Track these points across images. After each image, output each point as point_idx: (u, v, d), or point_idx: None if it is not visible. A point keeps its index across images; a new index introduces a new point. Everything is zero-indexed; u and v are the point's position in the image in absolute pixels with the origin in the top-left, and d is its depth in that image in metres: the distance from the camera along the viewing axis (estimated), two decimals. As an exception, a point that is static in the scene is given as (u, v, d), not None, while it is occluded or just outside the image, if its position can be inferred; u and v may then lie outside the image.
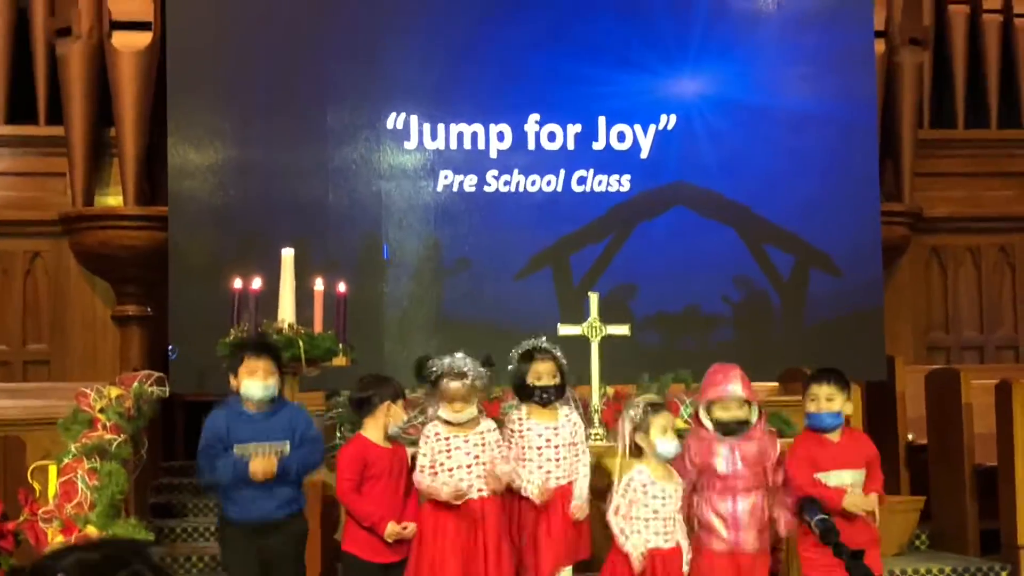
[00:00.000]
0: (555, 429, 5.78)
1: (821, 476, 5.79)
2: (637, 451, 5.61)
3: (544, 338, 5.99)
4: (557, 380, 5.81)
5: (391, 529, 5.52)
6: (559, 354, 5.88)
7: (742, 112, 9.08)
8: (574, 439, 5.82)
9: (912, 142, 9.70)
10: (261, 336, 5.81)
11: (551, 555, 5.66)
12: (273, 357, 5.58)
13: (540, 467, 5.72)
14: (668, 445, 5.54)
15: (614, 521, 5.51)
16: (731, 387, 5.71)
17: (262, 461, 5.38)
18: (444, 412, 5.65)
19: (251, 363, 5.48)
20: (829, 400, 5.84)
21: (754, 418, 5.74)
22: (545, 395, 5.79)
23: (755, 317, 9.00)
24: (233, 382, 5.55)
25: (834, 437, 5.85)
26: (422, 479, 5.60)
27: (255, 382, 5.48)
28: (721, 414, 5.70)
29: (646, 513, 5.50)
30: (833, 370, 6.03)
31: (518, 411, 5.87)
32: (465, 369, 5.66)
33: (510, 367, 5.98)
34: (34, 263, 9.22)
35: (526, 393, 5.85)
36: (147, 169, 8.97)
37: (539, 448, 5.74)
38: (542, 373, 5.80)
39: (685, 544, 5.56)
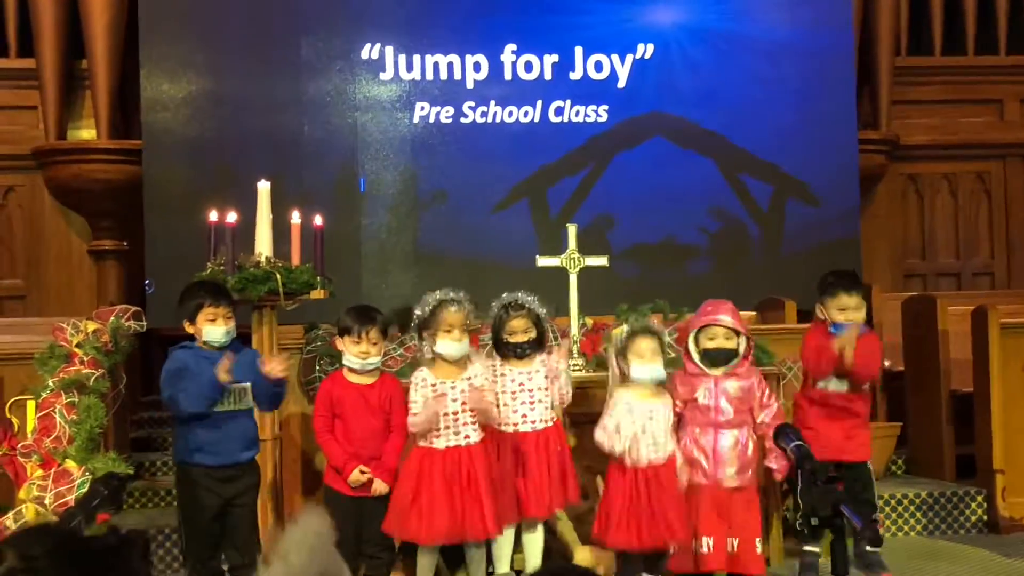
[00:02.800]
0: (529, 374, 5.79)
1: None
2: (625, 377, 5.68)
3: (519, 293, 5.95)
4: (532, 335, 5.82)
5: (354, 476, 5.58)
6: (535, 307, 5.86)
7: (719, 41, 9.04)
8: (546, 383, 5.83)
9: (889, 69, 9.67)
10: (214, 283, 5.78)
11: (532, 501, 5.70)
12: (229, 301, 5.63)
13: (515, 411, 5.76)
14: (643, 369, 5.58)
15: (599, 436, 5.59)
16: (720, 316, 5.74)
17: (223, 361, 5.40)
18: (444, 344, 5.65)
19: (210, 311, 5.53)
20: (858, 310, 5.90)
21: (742, 350, 5.77)
22: (519, 350, 5.80)
23: (732, 247, 9.02)
24: (190, 328, 5.58)
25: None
26: (412, 420, 5.63)
27: (216, 328, 5.55)
28: (708, 344, 5.74)
29: (634, 430, 5.56)
30: (857, 277, 6.07)
31: (494, 358, 5.88)
32: (458, 297, 5.69)
33: (490, 313, 5.97)
34: (8, 197, 9.15)
35: (501, 346, 5.87)
36: (120, 102, 8.87)
37: (513, 393, 5.77)
38: (516, 329, 5.81)
39: (679, 455, 5.62)
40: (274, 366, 5.52)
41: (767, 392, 5.80)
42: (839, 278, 6.04)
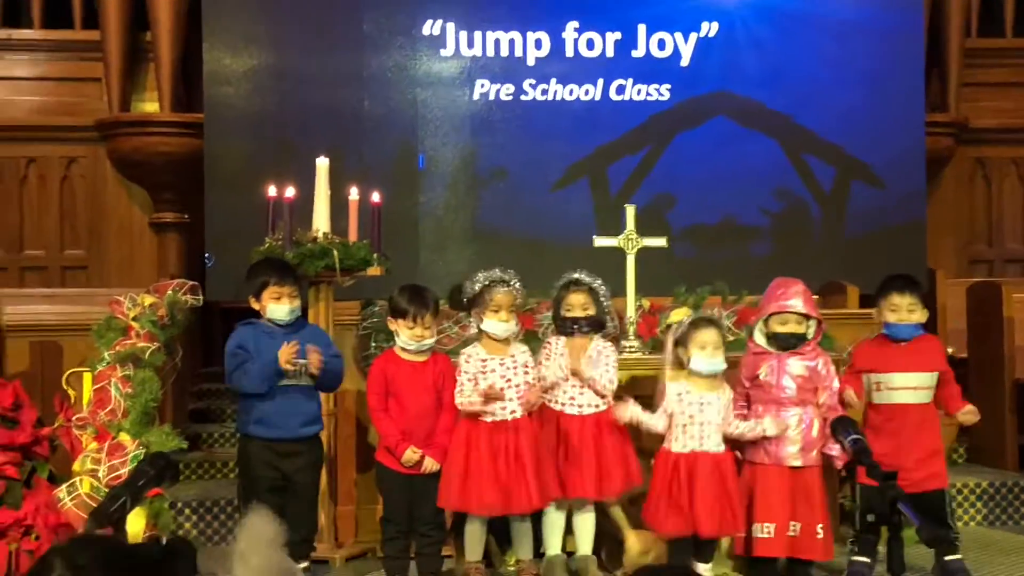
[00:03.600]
0: (587, 358, 5.76)
1: (881, 377, 5.78)
2: (680, 364, 5.65)
3: (582, 271, 5.92)
4: (590, 312, 5.79)
5: (407, 455, 5.60)
6: (597, 285, 5.84)
7: (785, 19, 8.90)
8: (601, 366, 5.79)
9: (959, 51, 9.50)
10: (280, 261, 5.81)
11: (572, 483, 5.69)
12: (295, 280, 5.67)
13: (564, 391, 5.74)
14: (703, 362, 5.54)
15: (646, 417, 5.61)
16: (791, 301, 5.69)
17: (286, 348, 5.44)
18: (491, 323, 5.67)
19: (275, 289, 5.57)
20: (911, 311, 5.82)
21: (811, 334, 5.72)
22: (575, 326, 5.77)
23: (794, 229, 8.90)
24: (255, 304, 5.63)
25: (903, 344, 5.82)
26: (460, 399, 5.62)
27: (281, 306, 5.62)
28: (779, 328, 5.69)
29: (683, 419, 5.58)
30: (911, 278, 5.99)
31: (556, 338, 5.88)
32: (508, 278, 5.68)
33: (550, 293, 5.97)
34: (70, 169, 9.22)
35: (560, 322, 5.87)
36: (183, 75, 8.91)
37: (566, 377, 5.76)
38: (573, 305, 5.80)
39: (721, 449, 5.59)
40: (280, 353, 5.50)
41: (831, 374, 5.72)
42: (893, 277, 5.99)
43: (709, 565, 5.63)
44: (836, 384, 5.73)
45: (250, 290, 5.68)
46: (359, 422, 6.56)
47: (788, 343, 5.67)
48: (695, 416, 5.57)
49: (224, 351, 5.66)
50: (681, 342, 5.63)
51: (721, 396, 5.61)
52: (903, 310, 5.85)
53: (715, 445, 5.55)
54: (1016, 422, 7.68)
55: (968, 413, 5.95)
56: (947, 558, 5.82)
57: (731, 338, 6.56)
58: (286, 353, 5.47)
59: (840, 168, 8.93)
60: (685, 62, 8.82)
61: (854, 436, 4.91)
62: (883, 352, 5.90)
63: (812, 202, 8.93)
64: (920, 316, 5.87)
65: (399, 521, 5.68)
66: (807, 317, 5.70)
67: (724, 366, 5.63)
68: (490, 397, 5.59)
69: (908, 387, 5.84)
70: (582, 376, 5.73)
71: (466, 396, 5.63)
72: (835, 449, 5.64)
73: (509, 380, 5.67)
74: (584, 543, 5.79)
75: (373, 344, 6.69)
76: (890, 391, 5.85)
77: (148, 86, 9.05)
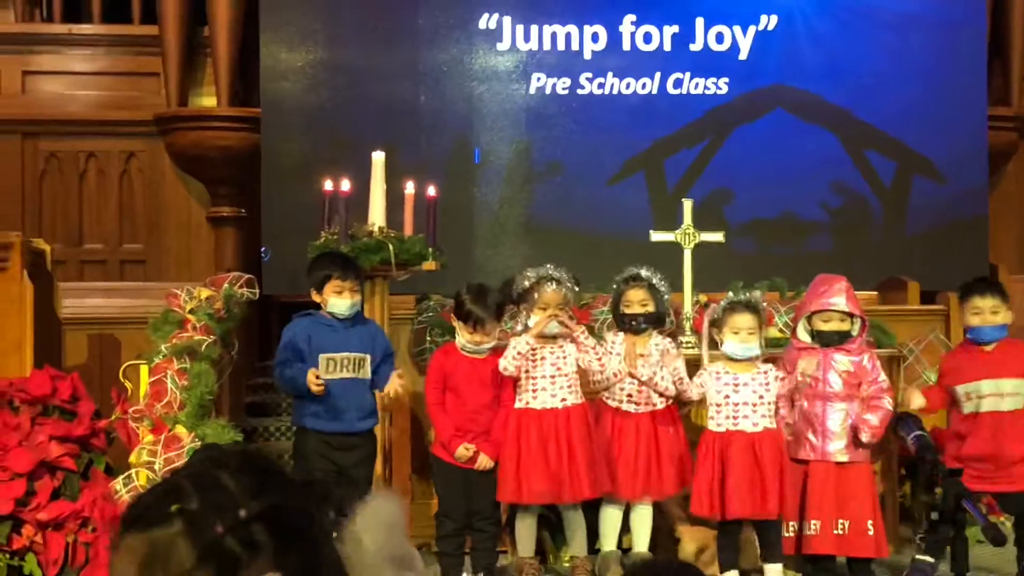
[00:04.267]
0: (642, 356, 5.73)
1: (969, 387, 5.68)
2: (715, 345, 5.65)
3: (642, 267, 5.89)
4: (649, 308, 5.76)
5: (460, 451, 5.59)
6: (656, 281, 5.81)
7: (845, 12, 8.79)
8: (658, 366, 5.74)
9: (1022, 43, 9.33)
10: (344, 255, 5.81)
11: (626, 483, 5.65)
12: (357, 275, 5.65)
13: (621, 388, 5.71)
14: (736, 346, 5.52)
15: (683, 386, 5.66)
16: (834, 299, 5.65)
17: (315, 373, 5.44)
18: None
19: (338, 283, 5.57)
20: (994, 313, 5.74)
21: (855, 331, 5.66)
22: (633, 322, 5.74)
23: (854, 224, 8.79)
24: (316, 297, 5.64)
25: (988, 347, 5.73)
26: (507, 364, 5.63)
27: (342, 300, 5.62)
28: (822, 326, 5.66)
29: (718, 399, 5.59)
30: (993, 280, 5.91)
31: (614, 334, 5.86)
32: (559, 276, 5.67)
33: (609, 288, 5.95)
34: (129, 163, 9.26)
35: (619, 318, 5.83)
36: (240, 69, 8.93)
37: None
38: (632, 300, 5.79)
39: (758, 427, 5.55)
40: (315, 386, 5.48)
41: (877, 368, 5.65)
42: (973, 281, 5.91)
43: (778, 567, 5.54)
44: (883, 378, 5.64)
45: (312, 283, 5.69)
46: (414, 416, 6.55)
47: (832, 340, 5.62)
48: (730, 396, 5.57)
49: (280, 342, 5.68)
50: (716, 324, 5.61)
51: (757, 376, 5.56)
52: (986, 312, 5.75)
53: (751, 425, 5.51)
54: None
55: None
56: None
57: (787, 334, 6.50)
58: (312, 379, 5.43)
59: (901, 163, 8.81)
60: (743, 55, 8.73)
61: (917, 432, 4.85)
62: (969, 360, 5.79)
63: (872, 197, 8.81)
64: (1004, 318, 5.77)
65: (455, 516, 5.67)
66: (850, 315, 5.65)
67: (758, 352, 5.59)
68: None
69: (997, 394, 5.71)
70: (639, 378, 5.69)
71: (508, 357, 5.62)
72: (862, 423, 5.56)
73: (560, 368, 5.65)
74: (640, 540, 5.76)
75: (428, 339, 6.69)
76: (979, 399, 5.72)
77: (206, 81, 9.07)
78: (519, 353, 5.58)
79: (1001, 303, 5.76)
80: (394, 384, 5.62)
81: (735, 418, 5.53)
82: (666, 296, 5.89)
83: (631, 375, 5.70)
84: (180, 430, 5.22)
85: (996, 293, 5.78)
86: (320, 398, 5.53)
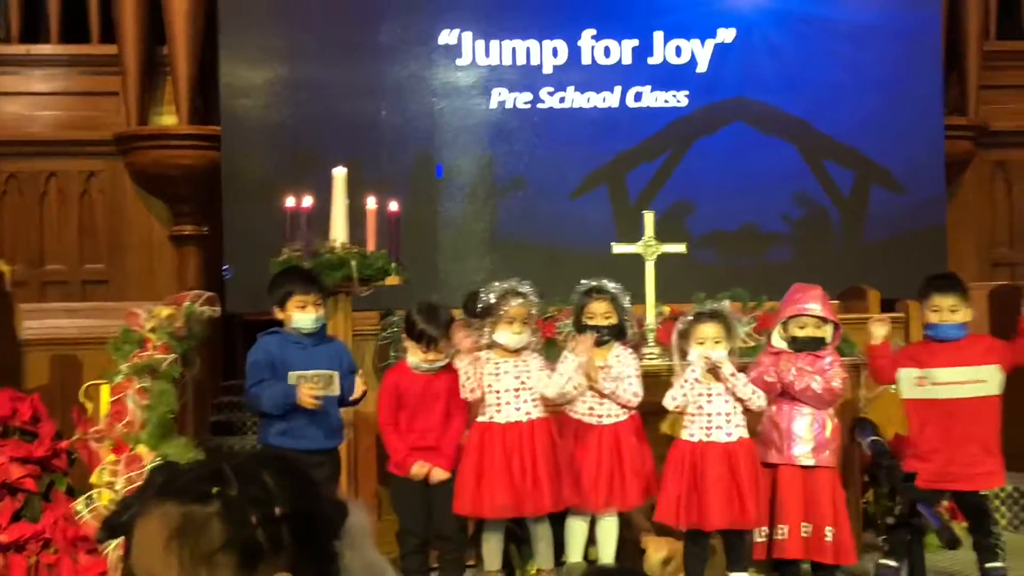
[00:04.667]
0: (603, 367, 5.75)
1: (927, 372, 5.76)
2: (684, 356, 5.66)
3: (605, 280, 5.92)
4: (612, 320, 5.78)
5: (415, 470, 5.60)
6: (618, 294, 5.83)
7: (802, 25, 8.87)
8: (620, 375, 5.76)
9: (977, 54, 9.44)
10: (305, 271, 5.81)
11: (591, 496, 5.67)
12: (319, 289, 5.64)
13: (583, 401, 5.73)
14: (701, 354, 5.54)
15: (667, 403, 5.61)
16: (810, 304, 5.69)
17: (310, 389, 5.41)
18: (503, 334, 5.66)
19: (300, 298, 5.55)
20: (953, 311, 5.77)
21: (829, 338, 5.71)
22: (597, 335, 5.75)
23: (814, 235, 8.86)
24: (279, 314, 5.62)
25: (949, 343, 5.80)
26: (464, 393, 5.65)
27: (306, 315, 5.59)
28: (797, 332, 5.69)
29: (692, 408, 5.58)
30: (952, 276, 5.94)
31: (570, 349, 5.86)
32: (524, 290, 5.68)
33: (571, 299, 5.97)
34: (90, 183, 9.23)
35: (581, 330, 5.84)
36: (201, 87, 8.92)
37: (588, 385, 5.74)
38: (595, 313, 5.79)
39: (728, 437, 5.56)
40: (304, 397, 5.45)
41: (835, 369, 5.68)
42: (933, 278, 5.95)
43: (745, 575, 5.58)
44: (837, 384, 5.67)
45: (274, 300, 5.67)
46: (378, 434, 6.53)
47: (806, 346, 5.66)
48: (703, 407, 5.57)
49: (244, 361, 5.66)
50: (684, 335, 5.64)
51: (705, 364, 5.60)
52: (944, 311, 5.79)
53: (724, 435, 5.53)
54: (1040, 426, 7.60)
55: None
56: (988, 565, 5.75)
57: (751, 344, 6.54)
58: (307, 394, 5.43)
59: (859, 173, 8.89)
60: (702, 68, 8.79)
61: (873, 438, 4.88)
62: (928, 350, 5.84)
63: (832, 207, 8.89)
64: (963, 316, 5.81)
65: (417, 533, 5.67)
66: (825, 321, 5.69)
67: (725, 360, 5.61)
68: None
69: (955, 381, 5.76)
70: (602, 391, 5.71)
71: (467, 388, 5.63)
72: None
73: (524, 382, 5.66)
74: (606, 552, 5.77)
75: (392, 354, 6.69)
76: (935, 386, 5.78)
77: (166, 99, 9.05)
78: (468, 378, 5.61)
79: (960, 301, 5.80)
80: (359, 385, 5.62)
81: (708, 428, 5.54)
82: (628, 308, 5.91)
83: (593, 389, 5.71)
84: (141, 449, 5.19)
85: (956, 291, 5.82)
86: (288, 415, 5.51)
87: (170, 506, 1.66)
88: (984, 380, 5.77)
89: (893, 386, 6.07)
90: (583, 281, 5.93)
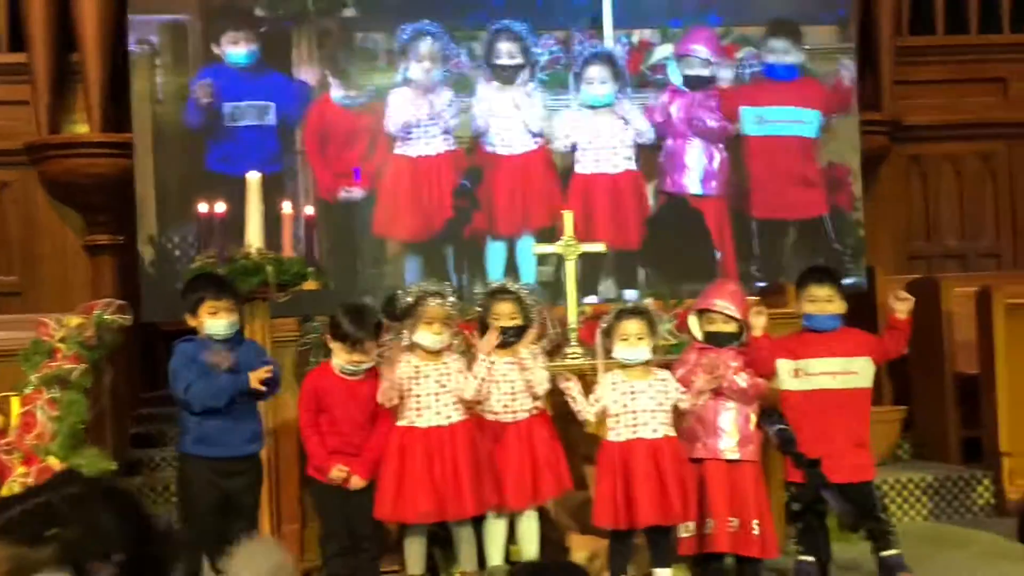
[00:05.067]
0: (512, 365, 5.74)
1: (801, 364, 5.76)
2: (608, 354, 5.68)
3: (508, 280, 5.98)
4: (517, 321, 5.77)
5: (334, 474, 5.56)
6: (524, 294, 5.83)
7: (719, 22, 8.87)
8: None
9: (890, 49, 9.53)
10: (216, 276, 5.74)
11: (511, 492, 5.65)
12: (232, 294, 5.57)
13: (497, 400, 5.71)
14: (625, 351, 5.55)
15: (580, 403, 5.60)
16: (717, 300, 5.73)
17: (221, 355, 5.38)
18: (423, 335, 5.64)
19: (212, 304, 5.48)
20: (829, 301, 5.83)
21: (744, 335, 5.74)
22: (503, 336, 5.73)
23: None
24: (192, 321, 5.55)
25: (823, 334, 5.83)
26: (381, 397, 5.58)
27: (219, 321, 5.52)
28: (707, 326, 5.74)
29: (616, 408, 5.58)
30: (829, 269, 6.02)
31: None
32: (442, 290, 5.66)
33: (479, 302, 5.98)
34: (2, 194, 9.07)
35: (486, 331, 5.81)
36: (113, 95, 8.77)
37: (497, 383, 5.72)
38: (501, 314, 5.78)
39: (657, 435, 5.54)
40: (216, 360, 5.45)
41: (747, 365, 5.70)
42: (810, 269, 6.05)
43: (668, 571, 5.58)
44: (759, 379, 5.70)
45: (186, 307, 5.60)
46: (300, 439, 6.46)
47: (717, 341, 5.71)
48: (628, 405, 5.57)
49: (166, 372, 5.58)
50: (607, 333, 5.64)
51: (654, 383, 5.59)
52: (822, 301, 5.86)
53: (651, 432, 5.53)
54: (959, 416, 7.72)
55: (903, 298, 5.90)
56: (884, 553, 5.82)
57: (673, 341, 6.56)
58: (258, 376, 5.40)
59: (777, 169, 8.91)
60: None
61: (779, 426, 4.92)
62: (802, 340, 5.90)
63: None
64: (838, 307, 5.88)
65: (338, 538, 5.61)
66: (734, 318, 5.73)
67: (648, 356, 5.62)
68: (392, 389, 5.56)
69: (828, 372, 5.82)
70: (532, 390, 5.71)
71: (386, 392, 5.58)
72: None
73: (444, 385, 5.63)
74: (529, 550, 5.75)
75: (312, 360, 6.61)
76: (809, 376, 5.82)
77: (78, 107, 8.89)
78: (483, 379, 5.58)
79: (836, 292, 5.88)
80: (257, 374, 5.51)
81: (634, 427, 5.54)
82: (534, 307, 5.92)
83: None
84: (52, 461, 5.10)
85: (832, 282, 5.90)
86: (207, 424, 5.43)
87: (3, 546, 1.57)
88: (855, 372, 5.84)
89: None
90: (488, 282, 5.96)
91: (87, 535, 1.57)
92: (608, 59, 7.78)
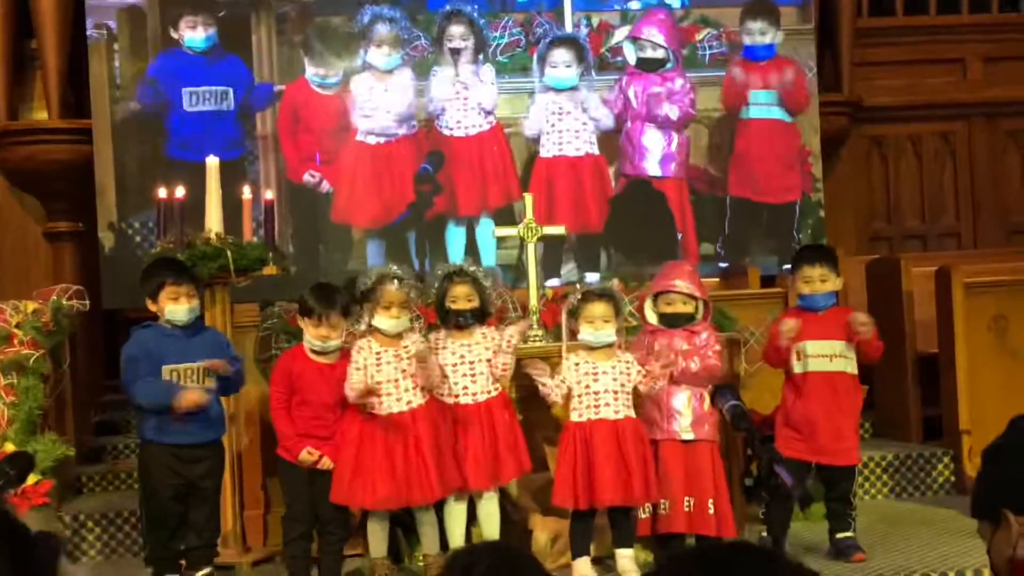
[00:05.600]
0: (469, 346, 5.74)
1: (799, 346, 5.83)
2: (574, 336, 5.68)
3: (468, 261, 5.98)
4: (474, 304, 5.77)
5: (303, 456, 5.54)
6: (480, 276, 5.83)
7: (679, 4, 8.89)
8: (487, 355, 5.75)
9: (850, 31, 9.54)
10: (176, 261, 5.72)
11: (473, 473, 5.66)
12: (192, 279, 5.55)
13: (456, 383, 5.70)
14: (590, 334, 5.56)
15: (542, 388, 5.61)
16: (676, 281, 5.73)
17: (195, 395, 5.33)
18: (381, 319, 5.63)
19: (172, 289, 5.46)
20: (823, 281, 5.88)
21: (700, 316, 5.76)
22: (460, 319, 5.74)
23: (696, 213, 8.89)
24: (152, 306, 5.53)
25: (819, 313, 5.87)
26: (348, 390, 5.56)
27: (179, 307, 5.50)
28: (665, 308, 5.75)
29: (579, 389, 5.60)
30: (822, 248, 6.06)
31: (437, 332, 5.85)
32: (400, 273, 5.65)
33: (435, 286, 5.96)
34: (-39, 182, 8.99)
35: (444, 314, 5.80)
36: (72, 81, 8.70)
37: (454, 365, 5.72)
38: (458, 296, 5.77)
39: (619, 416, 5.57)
40: (187, 401, 5.40)
41: (712, 346, 5.73)
42: (804, 249, 6.10)
43: (630, 552, 5.60)
44: (711, 356, 5.72)
45: (146, 292, 5.58)
46: (263, 424, 6.46)
47: (675, 322, 5.73)
48: (590, 386, 5.58)
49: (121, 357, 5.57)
50: (573, 314, 5.66)
51: (617, 365, 5.61)
52: (816, 280, 5.92)
53: (612, 413, 5.55)
54: (919, 395, 7.77)
55: (861, 323, 5.94)
56: (839, 535, 5.89)
57: (634, 323, 6.57)
58: (187, 401, 5.36)
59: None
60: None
61: (733, 402, 4.95)
62: (801, 320, 5.93)
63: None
64: (832, 285, 5.95)
65: (302, 520, 5.61)
66: (693, 298, 5.74)
67: (614, 338, 5.64)
68: (370, 391, 5.53)
69: (822, 355, 5.88)
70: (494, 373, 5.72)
71: (354, 386, 5.55)
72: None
73: (404, 371, 5.62)
74: (490, 531, 5.76)
75: (274, 346, 6.62)
76: (807, 358, 5.89)
77: (37, 94, 8.81)
78: (358, 369, 5.54)
79: (829, 271, 5.93)
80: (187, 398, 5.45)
81: (596, 407, 5.56)
82: (490, 289, 5.92)
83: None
84: (8, 447, 5.08)
85: (825, 261, 5.95)
86: (167, 411, 5.42)
87: None
88: (850, 357, 5.91)
89: None
90: (443, 264, 5.96)
91: None
92: (573, 43, 7.80)
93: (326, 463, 5.56)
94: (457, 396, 5.74)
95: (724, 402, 5.27)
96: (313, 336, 5.62)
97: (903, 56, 9.93)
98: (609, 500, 5.48)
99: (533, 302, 6.62)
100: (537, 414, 5.99)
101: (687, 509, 5.59)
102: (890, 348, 7.75)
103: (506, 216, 7.72)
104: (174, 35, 7.86)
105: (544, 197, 7.63)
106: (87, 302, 6.28)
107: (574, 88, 8.01)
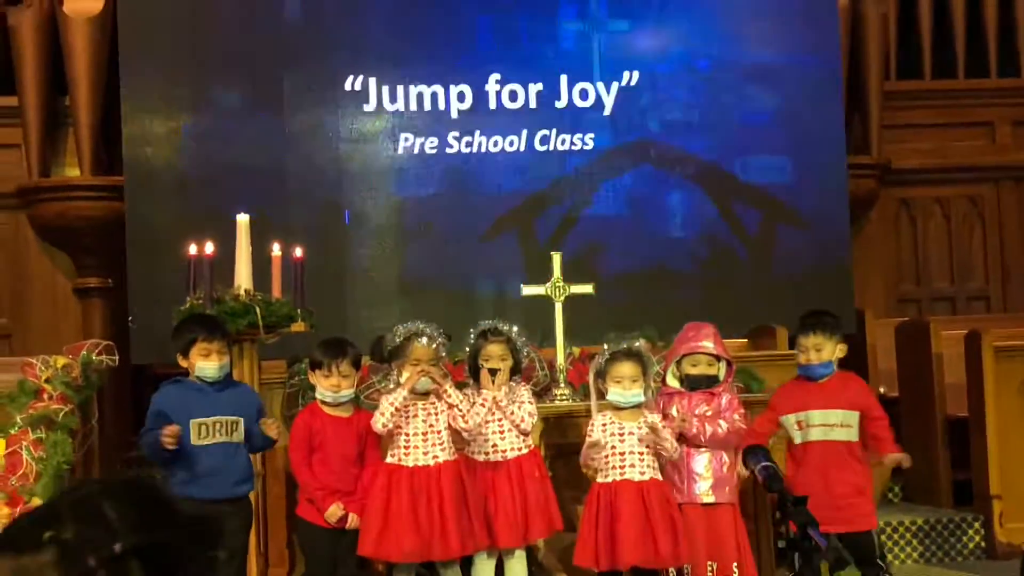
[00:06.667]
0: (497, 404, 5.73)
1: (800, 415, 5.76)
2: (601, 395, 5.66)
3: (497, 320, 5.93)
4: (508, 362, 5.76)
5: (332, 511, 5.54)
6: (514, 335, 5.82)
7: (705, 65, 8.95)
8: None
9: (879, 94, 9.59)
10: (208, 317, 5.74)
11: (502, 530, 5.62)
12: (223, 336, 5.57)
13: (487, 440, 5.69)
14: (618, 395, 5.55)
15: (583, 454, 5.57)
16: (703, 343, 5.72)
17: (175, 427, 5.33)
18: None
19: (204, 345, 5.47)
20: (818, 351, 5.87)
21: (722, 376, 5.74)
22: (494, 377, 5.73)
23: (723, 274, 8.89)
24: (183, 362, 5.54)
25: (819, 382, 5.83)
26: (378, 421, 5.58)
27: (210, 363, 5.52)
28: (691, 369, 5.74)
29: (606, 450, 5.56)
30: (819, 316, 6.02)
31: (471, 387, 5.85)
32: (430, 331, 5.65)
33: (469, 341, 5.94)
34: (-8, 237, 9.07)
35: (476, 372, 5.83)
36: (104, 138, 8.80)
37: (487, 421, 5.69)
38: (492, 355, 5.76)
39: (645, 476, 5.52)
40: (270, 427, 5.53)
41: (734, 407, 5.70)
42: (801, 317, 6.05)
43: None
44: (738, 419, 5.69)
45: (177, 347, 5.59)
46: (289, 481, 6.45)
47: (700, 384, 5.70)
48: (616, 446, 5.56)
49: (148, 412, 5.58)
50: (600, 375, 5.64)
51: (643, 426, 5.58)
52: (810, 350, 5.89)
53: (638, 474, 5.52)
54: (949, 458, 7.70)
55: (892, 461, 5.92)
56: None
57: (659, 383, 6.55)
58: (169, 431, 5.32)
59: (765, 212, 8.96)
60: (608, 111, 8.82)
61: (765, 463, 4.91)
62: (800, 390, 5.91)
63: (739, 246, 8.94)
64: (828, 354, 5.89)
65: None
66: (718, 358, 5.73)
67: (641, 399, 5.61)
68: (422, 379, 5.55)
69: (825, 424, 5.83)
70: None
71: (385, 413, 5.54)
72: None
73: (432, 425, 5.62)
74: (516, 590, 5.72)
75: (301, 402, 6.62)
76: (810, 428, 5.85)
77: (69, 150, 8.91)
78: (396, 409, 5.54)
79: (825, 340, 5.89)
80: (269, 427, 5.54)
81: (622, 468, 5.53)
82: (523, 347, 5.92)
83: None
84: (36, 502, 5.07)
85: (819, 331, 5.91)
86: (195, 465, 5.41)
87: (4, 561, 1.52)
88: (851, 425, 5.87)
89: None
90: (480, 323, 5.94)
91: (85, 531, 1.51)
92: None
93: (353, 521, 5.54)
94: (487, 453, 5.72)
95: (756, 463, 5.23)
96: (325, 387, 5.66)
97: (932, 119, 9.96)
98: (631, 560, 5.44)
99: (560, 361, 6.61)
100: (565, 471, 5.96)
101: (710, 574, 5.54)
102: (919, 411, 7.75)
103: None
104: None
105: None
106: (116, 357, 6.29)
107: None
